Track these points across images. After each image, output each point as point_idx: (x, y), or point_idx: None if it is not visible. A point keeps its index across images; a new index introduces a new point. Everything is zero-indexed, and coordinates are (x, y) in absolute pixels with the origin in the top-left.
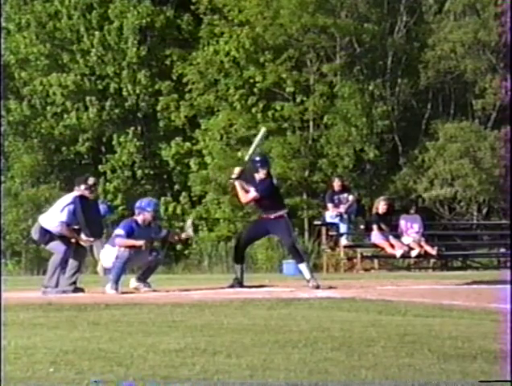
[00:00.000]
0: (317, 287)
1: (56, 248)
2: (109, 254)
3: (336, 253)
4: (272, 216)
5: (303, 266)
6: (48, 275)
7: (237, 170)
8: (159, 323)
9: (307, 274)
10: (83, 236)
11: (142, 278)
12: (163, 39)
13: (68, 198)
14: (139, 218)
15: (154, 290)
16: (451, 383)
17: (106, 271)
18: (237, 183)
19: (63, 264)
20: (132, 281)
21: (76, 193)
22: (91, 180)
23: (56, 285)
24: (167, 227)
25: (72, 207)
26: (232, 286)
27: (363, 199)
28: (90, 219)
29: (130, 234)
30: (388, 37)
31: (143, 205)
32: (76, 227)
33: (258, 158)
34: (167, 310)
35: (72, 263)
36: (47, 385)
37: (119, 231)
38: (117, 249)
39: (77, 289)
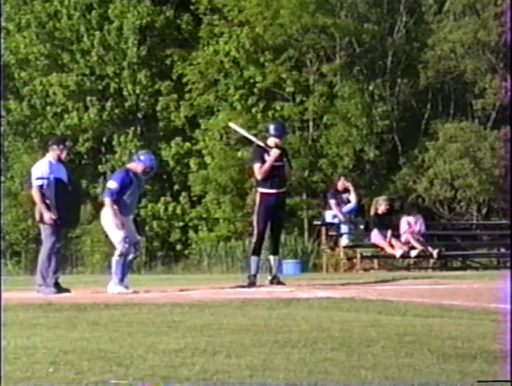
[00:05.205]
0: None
1: (45, 240)
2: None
3: (336, 253)
4: (282, 191)
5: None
6: (38, 273)
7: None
8: (159, 323)
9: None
10: (46, 216)
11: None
12: (163, 39)
13: (43, 165)
14: (133, 166)
15: (135, 291)
16: (451, 384)
17: None
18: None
19: (50, 259)
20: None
21: (49, 156)
22: (69, 142)
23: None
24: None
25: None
26: (253, 283)
27: (363, 199)
28: (64, 203)
29: (124, 185)
30: (388, 37)
31: (142, 158)
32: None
33: (274, 126)
34: (166, 310)
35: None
36: (46, 385)
37: (112, 183)
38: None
39: (62, 290)
